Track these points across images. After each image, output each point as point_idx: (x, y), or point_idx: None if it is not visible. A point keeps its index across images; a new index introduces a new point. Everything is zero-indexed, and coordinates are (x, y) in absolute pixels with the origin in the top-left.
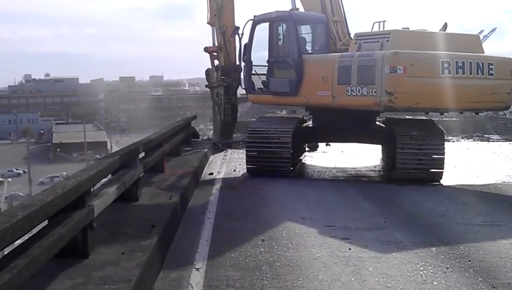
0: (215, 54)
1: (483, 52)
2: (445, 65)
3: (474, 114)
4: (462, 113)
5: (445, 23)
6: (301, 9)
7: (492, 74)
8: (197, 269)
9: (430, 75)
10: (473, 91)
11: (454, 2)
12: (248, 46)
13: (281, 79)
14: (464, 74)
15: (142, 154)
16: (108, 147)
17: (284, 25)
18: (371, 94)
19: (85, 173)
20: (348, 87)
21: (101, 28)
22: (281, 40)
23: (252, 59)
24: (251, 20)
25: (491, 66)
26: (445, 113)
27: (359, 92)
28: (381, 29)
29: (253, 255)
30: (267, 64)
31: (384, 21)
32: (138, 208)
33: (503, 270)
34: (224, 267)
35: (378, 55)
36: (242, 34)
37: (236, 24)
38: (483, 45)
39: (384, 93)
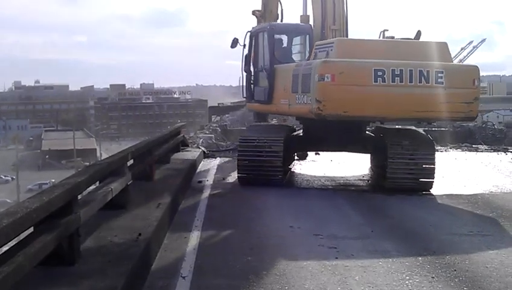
0: None
1: (451, 61)
2: (379, 73)
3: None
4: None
5: (419, 31)
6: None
7: (441, 83)
8: (184, 278)
9: (361, 84)
10: (414, 100)
11: (444, 12)
12: (248, 57)
13: (260, 88)
14: (401, 82)
15: (131, 162)
16: (98, 154)
17: (264, 35)
18: (308, 102)
19: (72, 180)
20: (296, 96)
21: (91, 35)
22: (261, 51)
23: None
24: (249, 31)
25: (440, 75)
26: (433, 123)
27: (303, 100)
28: (382, 37)
29: (241, 264)
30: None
31: (386, 30)
32: (125, 216)
33: (488, 280)
34: (211, 275)
35: (313, 64)
36: (244, 45)
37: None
38: (473, 54)
39: (314, 101)
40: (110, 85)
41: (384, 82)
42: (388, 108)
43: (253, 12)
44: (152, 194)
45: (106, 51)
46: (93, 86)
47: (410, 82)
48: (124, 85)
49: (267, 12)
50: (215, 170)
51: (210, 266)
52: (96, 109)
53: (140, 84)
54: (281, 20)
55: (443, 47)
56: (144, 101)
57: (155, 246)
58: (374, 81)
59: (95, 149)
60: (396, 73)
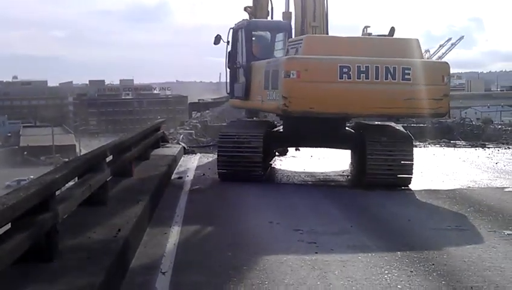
0: None
1: (422, 57)
2: (345, 70)
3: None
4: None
5: (392, 28)
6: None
7: (409, 79)
8: (163, 273)
9: (326, 80)
10: (380, 96)
11: (423, 9)
12: (231, 54)
13: (239, 84)
14: (367, 78)
15: (110, 158)
16: (77, 150)
17: (242, 32)
18: (276, 98)
19: (50, 176)
20: (268, 92)
21: (70, 30)
22: (240, 48)
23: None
24: (231, 28)
25: (407, 71)
26: (413, 119)
27: (272, 97)
28: (365, 33)
29: (220, 259)
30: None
31: (368, 26)
32: (105, 212)
33: (466, 274)
34: (191, 271)
35: (280, 61)
36: (228, 41)
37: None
38: (451, 51)
39: (281, 98)
40: (89, 81)
41: (350, 79)
42: (353, 105)
43: (245, 9)
44: (131, 190)
45: (85, 47)
46: (71, 81)
47: (376, 79)
48: (103, 81)
49: (258, 9)
50: (195, 166)
51: (190, 262)
52: (75, 105)
53: (120, 80)
54: (271, 17)
55: (414, 44)
56: (123, 97)
57: (134, 242)
58: (339, 78)
59: (74, 145)
60: (362, 70)
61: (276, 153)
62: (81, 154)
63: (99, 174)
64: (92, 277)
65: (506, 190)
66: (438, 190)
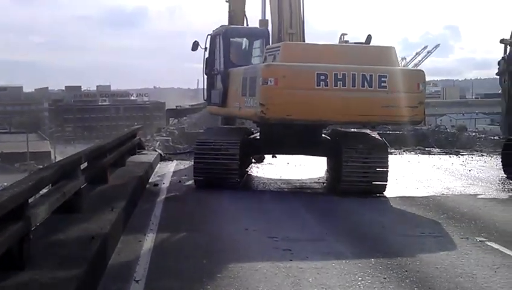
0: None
1: (398, 65)
2: (322, 77)
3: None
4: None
5: (369, 35)
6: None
7: (385, 87)
8: (137, 281)
9: (304, 87)
10: (357, 104)
11: (401, 17)
12: (209, 60)
13: (216, 91)
14: (344, 86)
15: (85, 165)
16: (52, 157)
17: (220, 39)
18: (254, 105)
19: (23, 183)
20: (245, 99)
21: (47, 36)
22: (217, 54)
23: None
24: (209, 34)
25: (383, 79)
26: (388, 126)
27: (250, 104)
28: (342, 41)
29: (195, 267)
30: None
31: (345, 34)
32: (78, 220)
33: (438, 280)
34: (165, 279)
35: (257, 68)
36: (205, 48)
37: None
38: (427, 59)
39: (258, 105)
40: (66, 87)
41: (327, 86)
42: (331, 112)
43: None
44: (106, 197)
45: (62, 52)
46: (47, 87)
47: (353, 86)
48: (79, 87)
49: (231, 17)
50: (171, 173)
51: (164, 269)
52: (50, 111)
53: (97, 86)
54: (247, 25)
55: (390, 51)
56: (100, 104)
57: (109, 250)
58: (317, 85)
59: (50, 152)
60: (339, 77)
61: (253, 160)
62: (56, 161)
63: (74, 181)
64: (64, 285)
65: (479, 197)
66: (413, 197)
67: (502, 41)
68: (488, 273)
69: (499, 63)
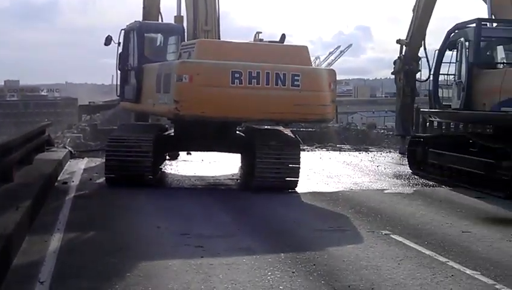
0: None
1: (310, 64)
2: (236, 75)
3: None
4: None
5: (283, 34)
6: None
7: (298, 85)
8: (42, 283)
9: (218, 85)
10: (270, 102)
11: (315, 16)
12: (122, 55)
13: (130, 86)
14: (258, 84)
15: None
16: None
17: (134, 34)
18: (168, 102)
19: None
20: (159, 95)
21: None
22: (131, 49)
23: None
24: (123, 29)
25: (296, 78)
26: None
27: (164, 100)
28: (256, 39)
29: (104, 266)
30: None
31: (260, 32)
32: None
33: (344, 273)
34: (72, 279)
35: (172, 64)
36: (119, 43)
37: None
38: (340, 58)
39: (173, 101)
40: None
41: (242, 84)
42: (245, 109)
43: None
44: (11, 196)
45: None
46: None
47: (267, 84)
48: None
49: (146, 12)
50: (82, 171)
51: (71, 270)
52: None
53: (5, 81)
54: (161, 20)
55: (303, 50)
56: (8, 99)
57: (13, 250)
58: (231, 83)
59: None
60: (253, 75)
61: (167, 157)
62: None
63: None
64: None
65: (386, 191)
66: (323, 193)
67: (398, 41)
68: (391, 265)
69: (394, 62)
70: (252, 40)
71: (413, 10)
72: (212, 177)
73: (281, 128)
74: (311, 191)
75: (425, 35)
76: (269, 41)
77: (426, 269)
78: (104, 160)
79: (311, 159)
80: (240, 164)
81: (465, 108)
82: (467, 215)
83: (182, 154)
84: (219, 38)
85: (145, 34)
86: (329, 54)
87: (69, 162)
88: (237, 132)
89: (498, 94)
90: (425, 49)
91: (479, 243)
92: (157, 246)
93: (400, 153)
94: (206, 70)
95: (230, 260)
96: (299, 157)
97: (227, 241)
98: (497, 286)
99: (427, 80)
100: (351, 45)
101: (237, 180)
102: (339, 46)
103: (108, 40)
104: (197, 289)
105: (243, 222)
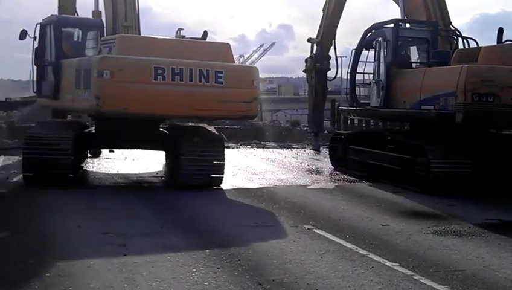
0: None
1: (233, 61)
2: (159, 71)
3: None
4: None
5: (205, 31)
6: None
7: (221, 82)
8: None
9: (141, 81)
10: (194, 99)
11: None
12: (39, 50)
13: (47, 82)
14: (182, 81)
15: None
16: None
17: (51, 28)
18: (88, 98)
19: None
20: (79, 91)
21: None
22: (48, 44)
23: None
24: (39, 23)
25: (219, 75)
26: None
27: (84, 96)
28: (178, 36)
29: (21, 268)
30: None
31: (181, 28)
32: None
33: (269, 267)
34: None
35: (92, 60)
36: (35, 37)
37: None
38: (264, 57)
39: (93, 97)
40: None
41: (165, 80)
42: (168, 106)
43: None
44: None
45: None
46: None
47: (190, 81)
48: None
49: (61, 12)
50: None
51: None
52: None
53: None
54: (77, 15)
55: (226, 48)
56: None
57: None
58: (154, 79)
59: None
60: (176, 72)
61: (89, 155)
62: None
63: None
64: None
65: (309, 187)
66: (248, 189)
67: (309, 40)
68: (314, 258)
69: (306, 60)
70: (174, 36)
71: (323, 10)
72: (136, 175)
73: (205, 125)
74: (236, 187)
75: (335, 34)
76: (191, 38)
77: (348, 261)
78: (21, 158)
79: (236, 156)
80: (164, 162)
81: (385, 106)
82: (386, 209)
83: (105, 152)
84: (140, 34)
85: (63, 29)
86: (253, 52)
87: None
88: (161, 129)
89: (418, 93)
90: (335, 48)
91: (397, 236)
92: (78, 245)
93: (313, 149)
94: (128, 66)
95: (154, 257)
96: (224, 154)
97: (151, 239)
98: (415, 277)
99: (334, 78)
100: (274, 43)
101: (161, 177)
102: (262, 45)
103: (23, 34)
104: (120, 287)
105: (167, 219)
